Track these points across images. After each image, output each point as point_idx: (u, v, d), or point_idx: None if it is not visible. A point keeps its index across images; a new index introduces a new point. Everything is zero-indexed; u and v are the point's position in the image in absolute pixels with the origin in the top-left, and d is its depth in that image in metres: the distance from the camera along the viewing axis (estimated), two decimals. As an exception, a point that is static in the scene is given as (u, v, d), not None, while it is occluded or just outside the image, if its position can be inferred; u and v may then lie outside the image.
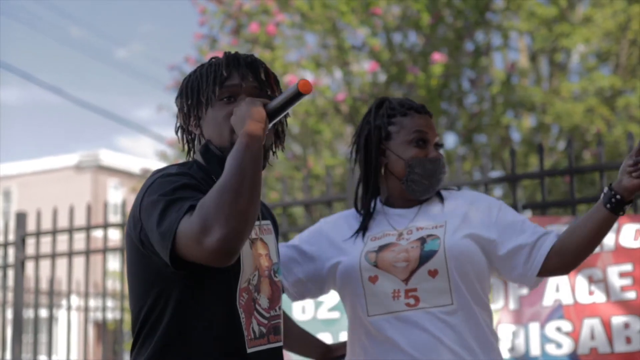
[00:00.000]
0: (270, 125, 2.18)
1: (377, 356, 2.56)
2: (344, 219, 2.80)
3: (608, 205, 2.42)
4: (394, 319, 2.54)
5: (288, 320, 2.79)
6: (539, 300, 3.96)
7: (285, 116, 2.35)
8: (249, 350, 2.18)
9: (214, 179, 2.22)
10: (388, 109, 2.72)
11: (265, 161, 2.30)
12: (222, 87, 2.27)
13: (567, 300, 3.91)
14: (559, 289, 3.94)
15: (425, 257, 2.54)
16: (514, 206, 4.52)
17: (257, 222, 2.29)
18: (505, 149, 13.37)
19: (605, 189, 2.44)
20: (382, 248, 2.61)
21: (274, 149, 2.38)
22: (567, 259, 2.53)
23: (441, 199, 2.71)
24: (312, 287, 2.75)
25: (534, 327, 3.95)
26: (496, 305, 4.05)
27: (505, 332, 4.00)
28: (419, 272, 2.53)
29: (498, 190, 11.87)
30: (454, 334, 2.51)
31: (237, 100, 2.26)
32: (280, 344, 2.31)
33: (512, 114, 14.11)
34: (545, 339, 3.90)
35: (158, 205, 2.08)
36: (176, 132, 2.43)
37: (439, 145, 2.71)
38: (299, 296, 2.77)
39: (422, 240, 2.58)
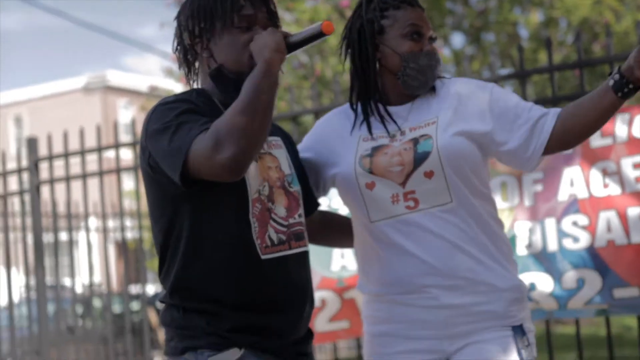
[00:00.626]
0: (291, 54, 2.35)
1: (389, 259, 2.57)
2: (337, 117, 2.76)
3: (620, 93, 2.38)
4: (397, 222, 2.54)
5: (337, 216, 2.92)
6: (554, 196, 3.97)
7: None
8: (263, 257, 2.34)
9: (216, 102, 2.39)
10: (380, 2, 2.65)
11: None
12: (238, 15, 2.38)
13: (582, 194, 3.92)
14: (573, 183, 3.94)
15: (419, 159, 2.52)
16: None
17: None
18: (513, 46, 13.21)
19: (616, 75, 2.38)
20: (375, 150, 2.58)
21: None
22: (568, 139, 2.50)
23: (433, 91, 2.65)
24: (316, 190, 2.76)
25: (550, 223, 3.96)
26: (511, 202, 4.06)
27: (521, 228, 4.01)
28: (414, 175, 2.52)
29: (507, 87, 11.77)
30: (457, 230, 2.51)
31: (252, 29, 2.38)
32: (304, 248, 2.47)
33: (519, 10, 13.92)
34: (562, 234, 3.92)
35: (166, 130, 2.25)
36: (175, 50, 2.51)
37: (432, 39, 2.66)
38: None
39: (415, 141, 2.55)
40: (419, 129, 2.58)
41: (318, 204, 2.73)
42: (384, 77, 2.66)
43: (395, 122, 2.62)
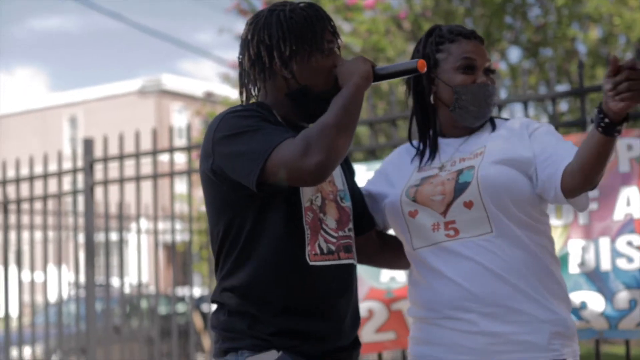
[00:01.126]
0: (374, 83, 2.48)
1: (430, 284, 2.58)
2: (400, 152, 2.82)
3: (600, 129, 2.23)
4: (437, 249, 2.56)
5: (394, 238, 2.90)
6: (610, 215, 3.91)
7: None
8: (312, 264, 2.43)
9: (276, 115, 2.50)
10: (437, 37, 2.69)
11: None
12: (326, 39, 2.51)
13: (638, 214, 3.86)
14: (630, 202, 3.89)
15: (459, 189, 2.53)
16: (583, 120, 4.44)
17: None
18: (571, 62, 13.09)
19: (595, 111, 2.24)
20: (423, 181, 2.62)
21: None
22: (577, 180, 2.38)
23: (493, 127, 2.67)
24: (380, 224, 2.79)
25: (605, 242, 3.91)
26: (566, 220, 4.01)
27: (574, 247, 3.97)
28: (455, 205, 2.52)
29: (564, 105, 11.67)
30: (497, 259, 2.49)
31: (332, 53, 2.52)
32: (352, 261, 2.55)
33: (578, 26, 13.78)
34: (616, 253, 3.87)
35: (240, 135, 2.36)
36: (243, 64, 2.57)
37: (490, 71, 2.66)
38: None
39: (459, 172, 2.56)
40: (467, 160, 2.59)
41: (374, 224, 2.79)
42: (440, 111, 2.69)
43: (444, 153, 2.66)
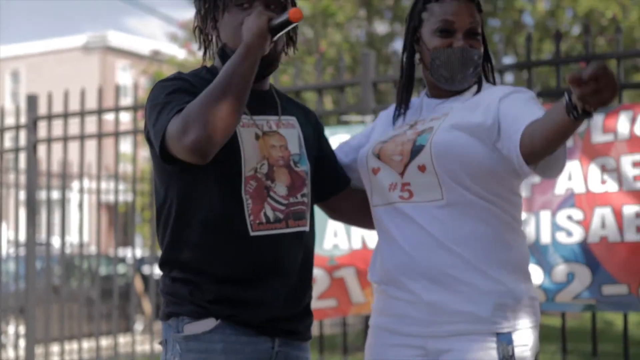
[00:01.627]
0: (276, 38, 2.33)
1: (382, 245, 2.59)
2: (387, 113, 2.79)
3: (571, 116, 2.09)
4: (392, 209, 2.54)
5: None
6: (551, 189, 3.96)
7: (294, 28, 2.50)
8: (253, 234, 2.38)
9: None
10: None
11: (276, 62, 2.49)
12: None
13: (579, 188, 3.91)
14: (571, 177, 3.93)
15: (415, 151, 2.49)
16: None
17: (274, 117, 2.51)
18: (518, 34, 13.18)
19: (566, 96, 2.10)
20: (390, 138, 2.59)
21: (286, 50, 2.55)
22: (536, 145, 2.25)
23: (479, 91, 2.60)
24: (354, 176, 2.75)
25: (545, 215, 3.96)
26: (508, 193, 4.05)
27: (516, 219, 4.00)
28: (410, 166, 2.49)
29: (510, 77, 11.76)
30: (444, 227, 2.45)
31: (252, 6, 2.39)
32: (303, 228, 2.49)
33: (526, -3, 13.88)
34: (556, 227, 3.92)
35: (154, 108, 2.32)
36: (194, 32, 2.57)
37: (473, 33, 2.56)
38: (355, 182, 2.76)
39: (420, 133, 2.52)
40: (434, 120, 2.55)
41: (348, 182, 2.73)
42: (424, 72, 2.65)
43: (424, 112, 2.61)
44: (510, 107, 2.44)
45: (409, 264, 2.49)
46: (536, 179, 3.98)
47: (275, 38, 2.33)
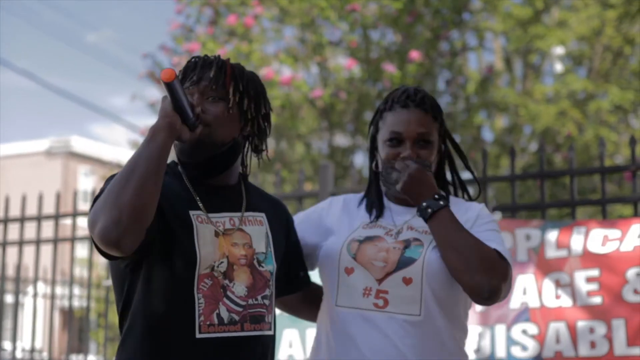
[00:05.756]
0: (170, 103, 2.23)
1: (336, 349, 2.52)
2: (343, 202, 2.76)
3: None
4: (359, 316, 2.49)
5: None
6: (506, 303, 3.98)
7: (266, 116, 2.46)
8: (200, 336, 2.24)
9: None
10: (384, 103, 2.66)
11: (214, 149, 2.36)
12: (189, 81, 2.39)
13: (533, 303, 3.94)
14: (526, 292, 3.96)
15: (403, 262, 2.48)
16: (484, 208, 4.53)
17: (237, 214, 2.40)
18: (477, 150, 13.42)
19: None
20: (367, 239, 2.56)
21: (258, 148, 2.49)
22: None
23: (446, 203, 2.58)
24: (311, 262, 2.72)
25: (500, 329, 3.97)
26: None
27: (471, 333, 4.00)
28: (393, 276, 2.48)
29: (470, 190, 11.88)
30: (413, 345, 2.44)
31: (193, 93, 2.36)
32: (262, 332, 2.36)
33: (486, 114, 14.17)
34: (511, 341, 3.93)
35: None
36: None
37: (422, 141, 2.58)
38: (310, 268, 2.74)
39: (407, 244, 2.51)
40: (417, 232, 2.54)
41: (307, 282, 2.70)
42: (381, 178, 2.66)
43: (397, 217, 2.61)
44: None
45: None
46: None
47: (171, 103, 2.22)
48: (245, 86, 2.40)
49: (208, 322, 2.26)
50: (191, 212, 2.32)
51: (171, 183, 2.34)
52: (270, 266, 2.41)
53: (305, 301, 2.75)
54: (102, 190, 2.21)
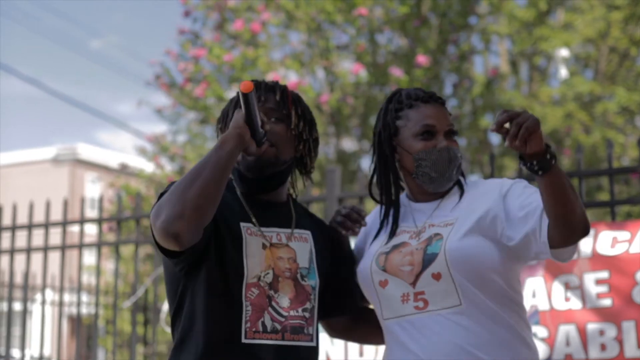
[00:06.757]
0: (244, 115, 2.36)
1: (395, 355, 2.54)
2: (375, 214, 2.78)
3: (536, 173, 2.26)
4: (405, 322, 2.52)
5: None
6: (515, 306, 3.96)
7: (316, 140, 2.64)
8: (245, 341, 2.38)
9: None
10: (396, 103, 2.67)
11: (275, 168, 2.52)
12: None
13: (543, 306, 3.93)
14: (535, 294, 3.95)
15: (427, 260, 2.49)
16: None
17: (286, 230, 2.54)
18: (483, 153, 13.40)
19: (520, 164, 2.30)
20: (393, 248, 2.58)
21: (307, 167, 2.65)
22: (559, 229, 2.32)
23: (462, 190, 2.63)
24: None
25: (510, 332, 3.95)
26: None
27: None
28: (423, 276, 2.49)
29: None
30: (466, 333, 2.44)
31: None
32: (301, 343, 2.48)
33: (492, 117, 14.15)
34: (520, 344, 3.90)
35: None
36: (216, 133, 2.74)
37: (452, 133, 2.62)
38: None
39: (428, 241, 2.53)
40: (437, 227, 2.56)
41: (355, 307, 2.73)
42: (405, 178, 2.67)
43: (418, 219, 2.62)
44: (522, 198, 2.47)
45: None
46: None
47: (244, 116, 2.35)
48: (303, 111, 2.61)
49: (254, 329, 2.40)
50: (242, 224, 2.48)
51: (225, 196, 2.45)
52: (312, 281, 2.53)
53: (350, 322, 2.78)
54: (164, 191, 2.35)
